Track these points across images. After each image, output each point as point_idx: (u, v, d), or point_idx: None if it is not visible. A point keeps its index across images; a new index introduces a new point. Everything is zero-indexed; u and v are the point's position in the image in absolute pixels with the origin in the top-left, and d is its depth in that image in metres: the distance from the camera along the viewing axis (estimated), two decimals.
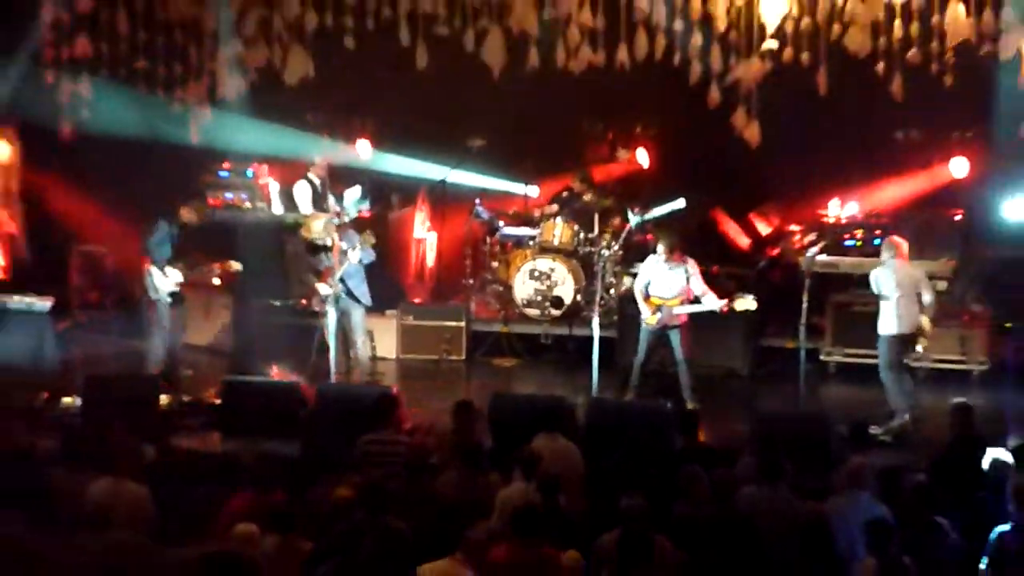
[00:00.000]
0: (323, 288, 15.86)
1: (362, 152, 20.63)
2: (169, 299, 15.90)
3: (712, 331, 17.20)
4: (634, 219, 17.36)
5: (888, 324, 14.98)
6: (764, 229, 19.13)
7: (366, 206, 18.12)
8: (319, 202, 18.22)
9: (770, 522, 10.36)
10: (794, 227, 18.88)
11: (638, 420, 13.65)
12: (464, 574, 9.31)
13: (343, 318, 16.01)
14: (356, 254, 15.75)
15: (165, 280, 15.81)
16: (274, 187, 20.14)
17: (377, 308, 16.82)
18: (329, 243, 15.86)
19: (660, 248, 15.67)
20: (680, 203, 18.29)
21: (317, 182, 18.42)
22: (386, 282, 16.80)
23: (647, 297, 15.60)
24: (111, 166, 18.40)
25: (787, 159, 17.90)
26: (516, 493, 10.73)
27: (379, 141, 20.70)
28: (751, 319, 17.21)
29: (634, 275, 16.47)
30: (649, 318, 15.56)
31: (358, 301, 16.02)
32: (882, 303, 15.02)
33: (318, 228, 15.94)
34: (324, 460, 11.37)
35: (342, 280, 15.80)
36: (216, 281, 17.99)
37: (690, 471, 10.79)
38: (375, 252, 15.97)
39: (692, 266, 15.56)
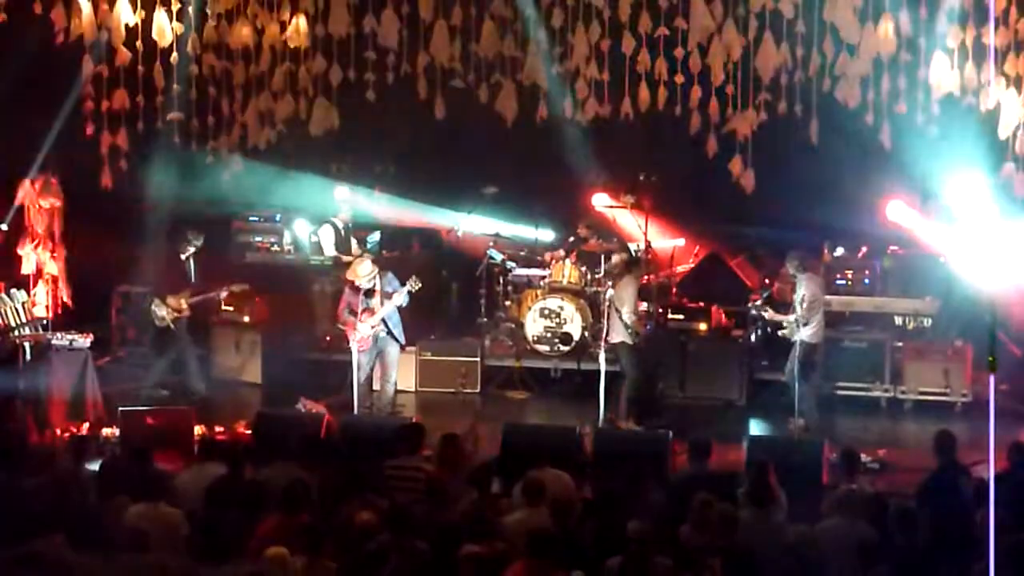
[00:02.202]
0: (363, 327, 15.90)
1: (383, 199, 20.75)
2: (171, 326, 16.99)
3: (711, 364, 17.32)
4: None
5: (806, 332, 15.46)
6: (759, 269, 19.13)
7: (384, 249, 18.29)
8: (342, 246, 18.27)
9: (761, 545, 10.34)
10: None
11: (640, 448, 13.73)
12: None
13: (380, 355, 16.14)
14: (400, 297, 15.90)
15: (165, 309, 16.92)
16: (302, 231, 20.23)
17: None
18: (373, 286, 15.94)
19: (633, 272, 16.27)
20: (680, 242, 18.42)
21: (340, 226, 18.49)
22: (406, 320, 16.84)
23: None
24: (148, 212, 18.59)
25: (780, 204, 17.94)
26: (520, 518, 10.75)
27: (399, 189, 20.82)
28: (748, 354, 17.32)
29: None
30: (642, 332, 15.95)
31: (396, 339, 16.15)
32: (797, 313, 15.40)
33: (365, 272, 15.97)
34: (349, 485, 11.37)
35: (383, 321, 15.91)
36: (246, 318, 18.12)
37: (702, 499, 10.72)
38: (409, 295, 16.08)
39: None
